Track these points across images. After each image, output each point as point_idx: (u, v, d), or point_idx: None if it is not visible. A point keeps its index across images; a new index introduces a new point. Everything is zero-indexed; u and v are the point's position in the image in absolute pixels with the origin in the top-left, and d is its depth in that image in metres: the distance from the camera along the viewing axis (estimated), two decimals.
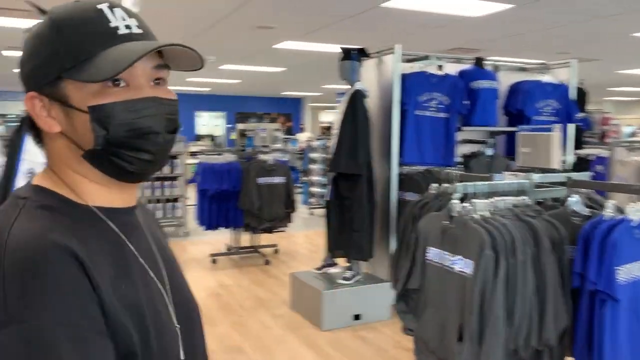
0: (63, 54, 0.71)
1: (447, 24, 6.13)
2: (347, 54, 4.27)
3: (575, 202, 2.26)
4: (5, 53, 8.58)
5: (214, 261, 6.24)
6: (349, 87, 4.26)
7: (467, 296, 2.04)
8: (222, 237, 6.86)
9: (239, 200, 5.87)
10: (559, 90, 4.81)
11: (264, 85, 14.35)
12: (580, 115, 5.61)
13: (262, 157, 6.15)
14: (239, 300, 4.94)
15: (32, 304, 0.62)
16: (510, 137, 4.73)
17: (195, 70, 0.79)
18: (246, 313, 4.60)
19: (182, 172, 7.54)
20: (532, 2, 5.08)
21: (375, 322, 4.30)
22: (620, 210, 2.11)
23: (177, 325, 0.80)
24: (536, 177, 2.45)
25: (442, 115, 4.41)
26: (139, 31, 0.75)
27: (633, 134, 11.32)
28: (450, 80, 4.41)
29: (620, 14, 5.50)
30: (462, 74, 4.62)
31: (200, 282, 5.50)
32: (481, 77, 4.59)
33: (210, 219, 5.97)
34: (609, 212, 2.10)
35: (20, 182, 0.82)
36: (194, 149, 12.06)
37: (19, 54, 0.77)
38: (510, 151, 4.65)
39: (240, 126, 11.31)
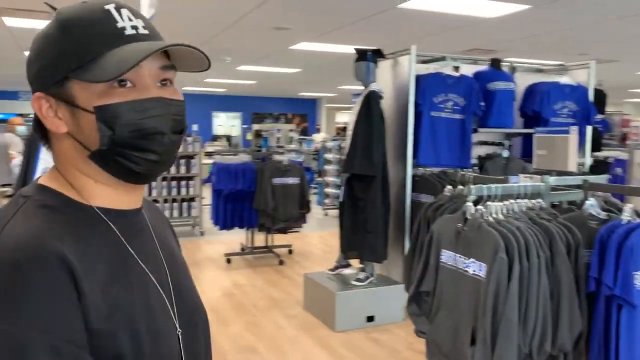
0: (69, 54, 0.71)
1: (463, 25, 6.09)
2: (362, 55, 4.26)
3: (591, 205, 2.23)
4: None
5: (228, 261, 6.28)
6: (364, 88, 4.26)
7: (480, 299, 2.02)
8: (236, 237, 6.89)
9: (253, 200, 5.89)
10: (577, 91, 4.75)
11: (280, 85, 14.39)
12: (599, 117, 5.54)
13: (277, 157, 6.17)
14: (252, 300, 4.96)
15: (10, 309, 0.61)
16: (527, 139, 4.68)
17: (202, 71, 0.79)
18: (260, 313, 4.61)
19: (198, 172, 7.59)
20: (549, 3, 5.03)
21: (389, 324, 4.29)
22: (638, 214, 2.08)
23: (180, 330, 0.79)
24: (552, 180, 2.42)
25: (457, 116, 4.38)
26: (145, 32, 0.75)
27: None
28: (466, 82, 4.38)
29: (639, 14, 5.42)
30: (478, 75, 4.58)
31: (215, 282, 5.53)
32: (497, 79, 4.56)
33: (225, 218, 6.00)
34: (626, 215, 2.07)
35: None
36: (210, 149, 12.14)
37: None
38: (527, 153, 4.60)
39: (255, 127, 11.36)
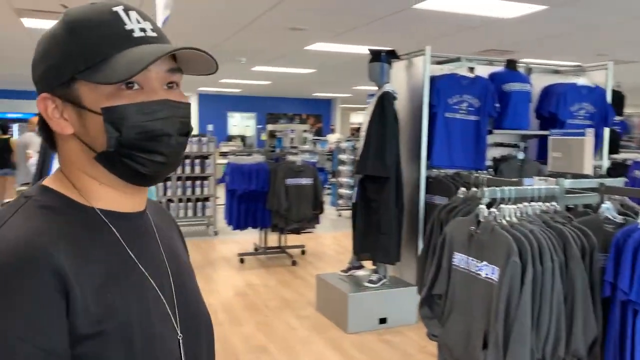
0: (77, 55, 0.71)
1: (479, 25, 6.05)
2: (376, 56, 4.25)
3: (607, 208, 2.19)
4: None
5: (241, 260, 6.30)
6: (378, 89, 4.24)
7: (492, 303, 2.00)
8: (250, 237, 6.92)
9: (266, 200, 5.91)
10: (595, 93, 4.69)
11: (295, 86, 14.41)
12: (617, 118, 5.46)
13: (290, 158, 6.17)
14: (265, 300, 4.97)
15: None
16: (543, 141, 4.63)
17: (210, 74, 0.79)
18: (272, 313, 4.62)
19: (213, 172, 7.63)
20: (566, 3, 4.97)
21: (401, 326, 4.27)
22: None
23: (180, 335, 0.79)
24: (567, 183, 2.39)
25: (472, 117, 4.34)
26: (154, 34, 0.75)
27: None
28: (481, 83, 4.34)
29: None
30: (494, 76, 4.54)
31: (228, 281, 5.55)
32: (513, 80, 4.51)
33: (239, 219, 6.02)
34: None
35: None
36: (224, 149, 12.21)
37: None
38: (543, 155, 4.55)
39: (269, 127, 11.37)
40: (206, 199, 7.64)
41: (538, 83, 4.78)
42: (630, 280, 1.94)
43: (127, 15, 0.73)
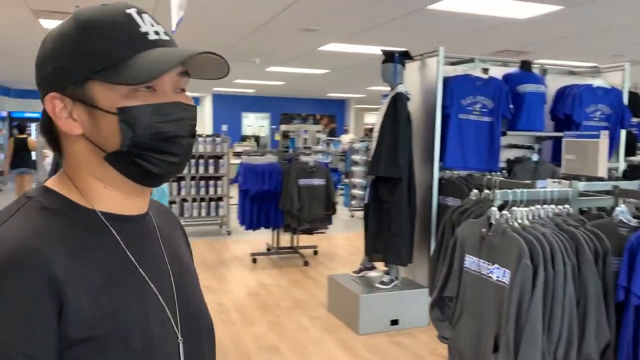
0: (92, 55, 0.71)
1: (494, 26, 6.01)
2: (389, 57, 4.24)
3: (622, 212, 2.17)
4: None
5: (254, 260, 6.32)
6: (391, 89, 4.24)
7: (503, 306, 1.99)
8: (263, 237, 6.94)
9: (279, 201, 5.92)
10: (611, 94, 4.63)
11: (309, 86, 14.43)
12: (634, 120, 5.39)
13: (303, 158, 6.18)
14: (277, 300, 4.98)
15: None
16: (558, 143, 4.58)
17: (220, 77, 0.79)
18: (284, 313, 4.63)
19: (226, 172, 7.67)
20: (581, 3, 4.91)
21: (413, 328, 4.25)
22: None
23: (181, 338, 0.78)
24: (580, 185, 2.36)
25: (486, 119, 4.32)
26: (167, 38, 0.76)
27: None
28: (495, 84, 4.31)
29: None
30: (508, 77, 4.51)
31: (241, 281, 5.58)
32: (527, 81, 4.48)
33: (251, 219, 6.05)
34: None
35: None
36: (238, 149, 12.26)
37: None
38: (557, 157, 4.49)
39: (283, 127, 11.39)
40: (219, 199, 7.68)
41: (553, 84, 4.74)
42: None
43: (141, 17, 0.74)
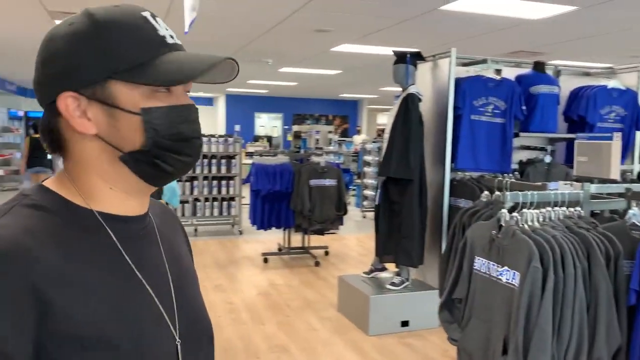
0: (117, 55, 0.71)
1: (508, 27, 5.96)
2: (401, 58, 4.23)
3: (634, 214, 2.14)
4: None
5: (265, 260, 6.34)
6: (403, 90, 4.23)
7: (513, 308, 1.97)
8: (274, 237, 6.97)
9: (290, 201, 5.94)
10: (626, 95, 4.58)
11: (321, 87, 14.44)
12: None
13: (315, 159, 6.19)
14: (287, 300, 4.99)
15: None
16: (571, 145, 4.53)
17: (228, 81, 0.80)
18: (294, 313, 4.64)
19: (238, 172, 7.71)
20: (596, 4, 4.86)
21: (423, 330, 4.24)
22: None
23: (179, 341, 0.78)
24: (592, 188, 2.34)
25: (498, 120, 4.29)
26: (179, 42, 0.77)
27: None
28: (507, 85, 4.28)
29: None
30: (521, 78, 4.48)
31: (252, 280, 5.60)
32: (540, 82, 4.44)
33: (263, 219, 6.07)
34: None
35: None
36: (251, 149, 12.32)
37: None
38: (571, 159, 4.44)
39: (295, 128, 11.41)
40: (232, 199, 7.72)
41: (567, 85, 4.69)
42: None
43: (156, 21, 0.75)
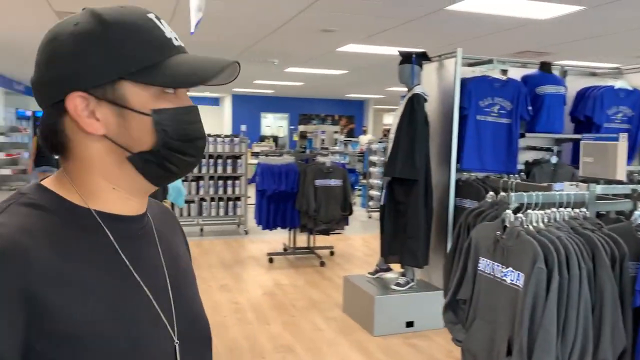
0: (127, 57, 0.71)
1: (514, 27, 5.95)
2: (407, 58, 4.23)
3: None
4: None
5: (270, 260, 6.35)
6: (408, 90, 4.22)
7: (517, 309, 1.97)
8: (280, 237, 6.98)
9: (295, 201, 5.94)
10: (633, 96, 4.55)
11: (327, 87, 14.45)
12: None
13: (320, 159, 6.20)
14: (292, 300, 5.00)
15: None
16: (577, 145, 4.50)
17: (227, 83, 0.81)
18: (299, 313, 4.65)
19: (244, 172, 7.73)
20: (603, 3, 4.84)
21: (428, 330, 4.23)
22: None
23: (177, 341, 0.77)
24: (598, 189, 2.33)
25: (504, 120, 4.28)
26: (183, 44, 0.78)
27: None
28: (513, 85, 4.27)
29: None
30: (527, 79, 4.46)
31: (257, 280, 5.61)
32: (546, 82, 4.42)
33: (268, 219, 6.08)
34: None
35: None
36: (257, 149, 12.34)
37: None
38: (577, 160, 4.42)
39: (300, 128, 11.42)
40: (237, 199, 7.74)
41: (573, 85, 4.67)
42: None
43: (161, 23, 0.76)
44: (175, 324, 0.78)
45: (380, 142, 9.55)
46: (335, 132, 10.60)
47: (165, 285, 0.80)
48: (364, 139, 12.44)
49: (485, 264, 2.18)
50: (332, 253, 6.74)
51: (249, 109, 17.99)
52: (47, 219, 0.71)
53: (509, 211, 2.11)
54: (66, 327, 0.66)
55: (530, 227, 2.06)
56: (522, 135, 4.40)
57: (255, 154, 9.84)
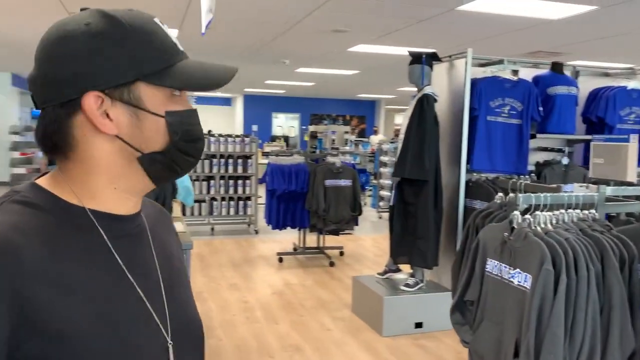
0: (143, 58, 0.72)
1: (526, 27, 5.91)
2: (417, 58, 4.22)
3: None
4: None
5: (280, 260, 6.37)
6: (418, 91, 4.22)
7: (525, 311, 1.96)
8: (290, 237, 6.99)
9: (305, 201, 5.96)
10: None
11: (338, 87, 14.44)
12: None
13: (330, 159, 6.20)
14: (301, 299, 5.01)
15: None
16: (589, 146, 4.48)
17: (223, 85, 0.83)
18: (307, 313, 4.66)
19: (255, 172, 7.76)
20: (616, 3, 4.79)
21: (437, 331, 4.22)
22: None
23: (170, 342, 0.77)
24: (608, 190, 2.31)
25: (514, 121, 4.25)
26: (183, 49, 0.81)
27: None
28: (524, 86, 4.25)
29: None
30: (538, 79, 4.44)
31: (266, 280, 5.62)
32: (558, 83, 4.39)
33: (278, 218, 6.10)
34: None
35: None
36: (268, 149, 12.37)
37: None
38: (589, 161, 4.40)
39: (311, 128, 11.43)
40: (248, 198, 7.77)
41: (586, 86, 4.63)
42: None
43: (164, 28, 0.78)
44: (168, 324, 0.78)
45: (391, 142, 9.53)
46: (346, 132, 10.60)
47: (158, 285, 0.80)
48: (374, 139, 12.43)
49: (492, 265, 2.17)
50: (341, 253, 6.75)
51: (260, 109, 18.04)
52: (40, 217, 0.71)
53: (516, 212, 2.10)
54: (56, 327, 0.65)
55: (538, 228, 2.05)
56: (533, 136, 4.37)
57: (266, 154, 9.87)
